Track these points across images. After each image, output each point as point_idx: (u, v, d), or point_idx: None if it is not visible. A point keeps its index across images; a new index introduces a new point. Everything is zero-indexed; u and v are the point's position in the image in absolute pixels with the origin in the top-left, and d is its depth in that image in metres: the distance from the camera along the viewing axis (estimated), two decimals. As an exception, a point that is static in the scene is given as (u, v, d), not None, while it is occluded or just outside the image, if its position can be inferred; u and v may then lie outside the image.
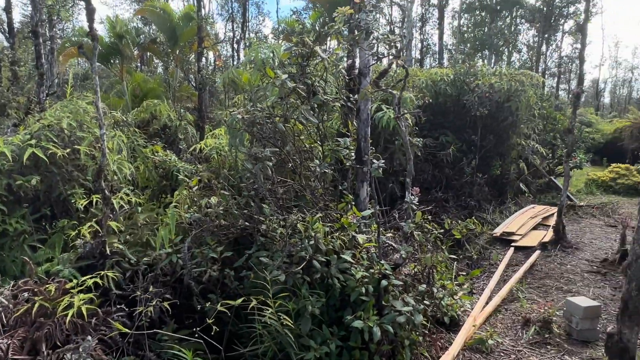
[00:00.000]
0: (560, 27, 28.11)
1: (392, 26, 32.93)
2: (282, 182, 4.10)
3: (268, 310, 3.32)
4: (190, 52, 15.66)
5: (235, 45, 33.82)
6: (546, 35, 27.73)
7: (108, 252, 4.06)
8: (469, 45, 24.84)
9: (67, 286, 3.75)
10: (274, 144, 3.85)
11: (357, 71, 5.23)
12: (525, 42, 30.70)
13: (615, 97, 54.59)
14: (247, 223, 3.92)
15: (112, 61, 15.16)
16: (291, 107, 3.50)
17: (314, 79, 4.28)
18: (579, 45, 9.87)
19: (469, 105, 10.29)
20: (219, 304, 3.23)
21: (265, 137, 3.79)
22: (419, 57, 33.54)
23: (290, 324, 3.27)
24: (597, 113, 35.83)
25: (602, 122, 27.06)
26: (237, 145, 3.92)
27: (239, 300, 3.29)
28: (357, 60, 5.43)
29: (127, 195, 5.29)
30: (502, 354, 4.53)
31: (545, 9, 25.90)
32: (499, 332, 4.99)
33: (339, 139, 5.17)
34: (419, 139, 9.07)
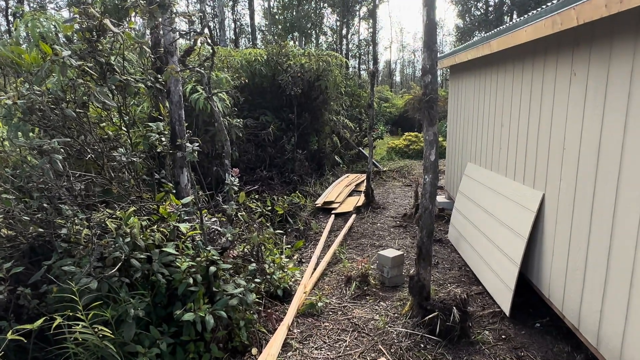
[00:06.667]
0: (357, 12, 31.35)
1: (202, 4, 31.74)
2: (82, 177, 3.55)
3: (79, 325, 2.89)
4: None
5: (11, 19, 28.18)
6: (345, 20, 30.62)
7: None
8: (280, 27, 25.71)
9: None
10: (65, 134, 3.26)
11: (162, 49, 4.84)
12: (329, 25, 33.37)
13: (404, 76, 64.17)
14: (41, 229, 3.30)
15: None
16: (81, 89, 2.99)
17: (111, 57, 3.78)
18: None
19: (284, 85, 10.69)
20: (10, 332, 2.65)
21: (51, 127, 3.17)
22: (234, 38, 33.30)
23: (108, 333, 2.91)
24: (391, 90, 41.56)
25: (396, 98, 31.49)
26: (16, 138, 3.21)
27: (39, 322, 2.76)
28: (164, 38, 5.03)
29: None
30: (330, 313, 4.95)
31: (343, -5, 28.49)
32: (326, 293, 5.43)
33: (150, 123, 4.75)
34: (239, 120, 9.06)
